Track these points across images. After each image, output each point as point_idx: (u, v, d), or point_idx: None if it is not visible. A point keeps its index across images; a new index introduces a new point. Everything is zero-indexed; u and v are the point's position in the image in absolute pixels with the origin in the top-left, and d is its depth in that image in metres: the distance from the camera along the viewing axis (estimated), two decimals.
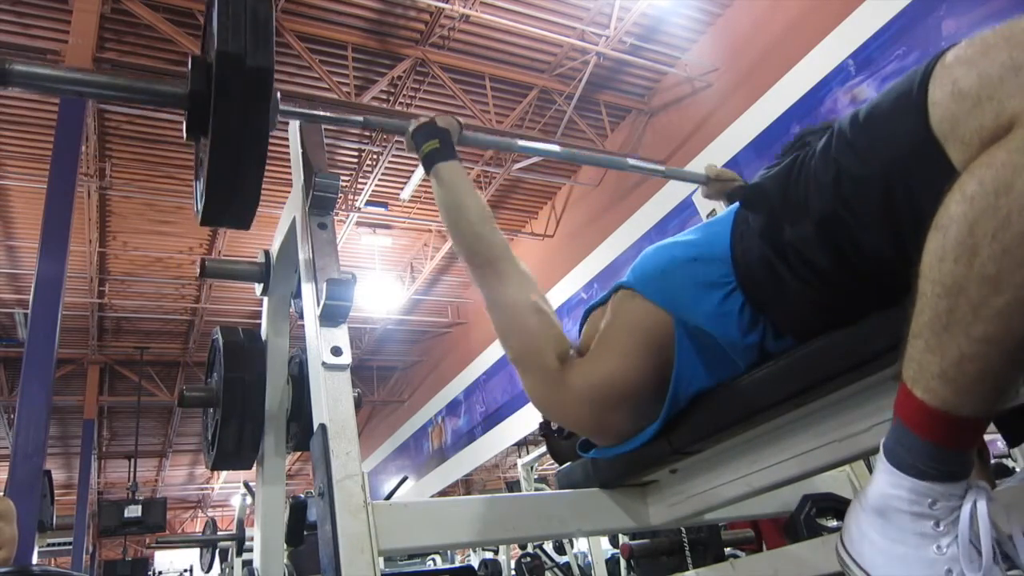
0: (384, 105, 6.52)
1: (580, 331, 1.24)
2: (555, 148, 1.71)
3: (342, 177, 7.36)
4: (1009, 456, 4.60)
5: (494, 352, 9.12)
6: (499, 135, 6.71)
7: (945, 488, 0.64)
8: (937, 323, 0.61)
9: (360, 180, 7.54)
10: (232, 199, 1.16)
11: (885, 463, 0.68)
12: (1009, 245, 0.57)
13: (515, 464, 6.92)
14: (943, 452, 0.64)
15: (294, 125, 1.35)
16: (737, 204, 1.02)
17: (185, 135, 1.19)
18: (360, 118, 1.41)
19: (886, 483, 0.68)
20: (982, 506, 0.63)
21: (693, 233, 1.10)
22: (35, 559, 4.04)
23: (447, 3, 5.68)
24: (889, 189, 0.75)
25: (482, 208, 1.24)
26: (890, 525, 0.67)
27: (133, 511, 8.34)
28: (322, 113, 1.39)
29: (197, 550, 5.74)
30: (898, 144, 0.73)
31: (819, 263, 0.85)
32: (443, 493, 10.73)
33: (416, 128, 1.32)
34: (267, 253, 1.64)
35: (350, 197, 7.61)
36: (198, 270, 1.63)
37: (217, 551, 5.34)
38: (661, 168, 1.77)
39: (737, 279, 0.96)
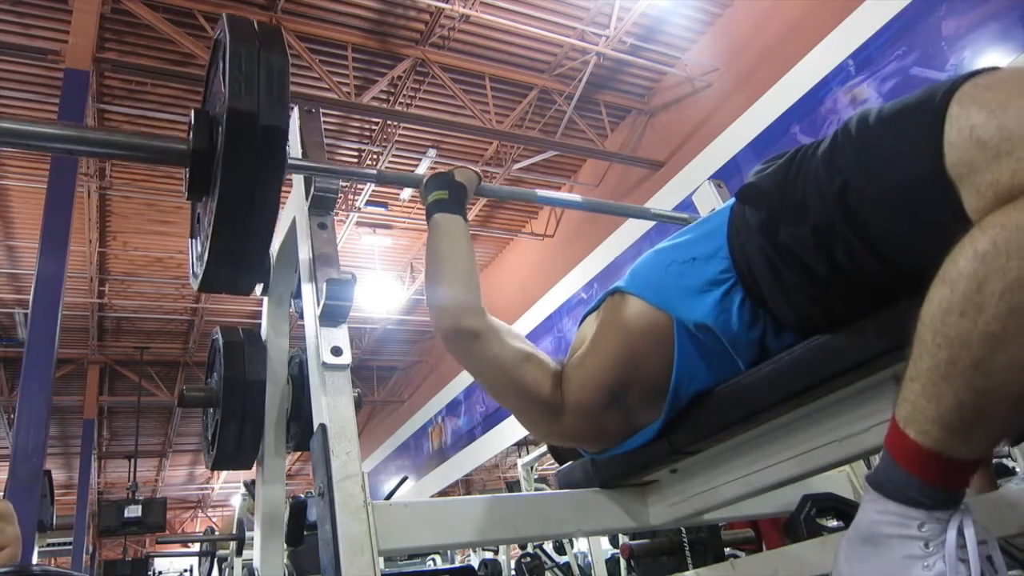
0: (384, 105, 6.52)
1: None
2: (576, 198, 1.80)
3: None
4: (1009, 456, 4.59)
5: None
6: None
7: (932, 512, 0.65)
8: (936, 372, 0.62)
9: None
10: (235, 264, 1.12)
11: (873, 493, 0.69)
12: (1016, 306, 0.58)
13: (515, 464, 6.91)
14: (935, 490, 0.65)
15: (294, 124, 1.33)
16: (732, 200, 1.02)
17: (186, 194, 1.14)
18: (373, 172, 1.45)
19: (873, 511, 0.68)
20: (969, 532, 0.64)
21: (687, 233, 1.09)
22: (35, 559, 4.03)
23: (447, 3, 5.68)
24: (893, 212, 0.76)
25: (468, 272, 1.20)
26: (878, 552, 0.67)
27: (133, 511, 8.32)
28: (335, 168, 1.35)
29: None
30: (910, 175, 0.74)
31: (813, 265, 0.85)
32: (443, 493, 10.72)
33: (431, 177, 1.30)
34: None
35: (350, 197, 7.61)
36: None
37: (216, 559, 5.35)
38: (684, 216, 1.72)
39: (737, 274, 0.97)
